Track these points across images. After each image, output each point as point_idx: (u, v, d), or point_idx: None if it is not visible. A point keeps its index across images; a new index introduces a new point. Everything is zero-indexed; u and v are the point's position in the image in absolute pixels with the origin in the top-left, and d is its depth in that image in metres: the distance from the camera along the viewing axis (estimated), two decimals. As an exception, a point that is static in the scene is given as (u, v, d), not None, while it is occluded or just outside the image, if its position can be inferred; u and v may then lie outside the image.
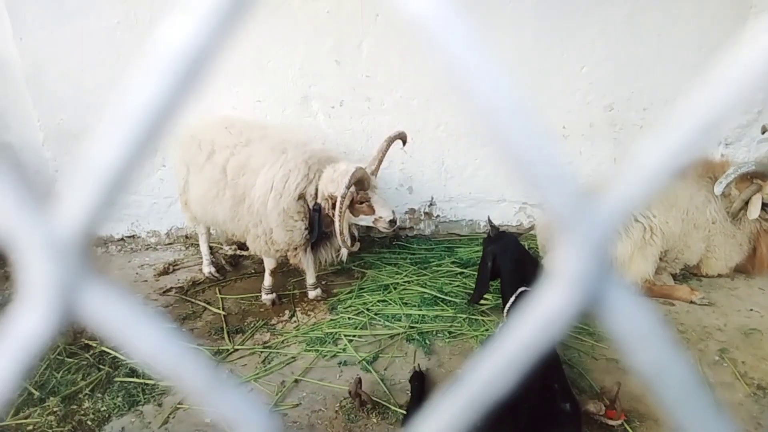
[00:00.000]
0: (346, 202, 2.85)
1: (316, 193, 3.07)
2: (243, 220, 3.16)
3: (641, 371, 0.37)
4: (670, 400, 0.37)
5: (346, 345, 3.05)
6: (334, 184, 2.94)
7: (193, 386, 0.38)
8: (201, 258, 3.86)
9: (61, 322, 0.35)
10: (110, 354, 2.93)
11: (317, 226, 3.12)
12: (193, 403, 2.59)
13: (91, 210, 0.34)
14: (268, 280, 3.47)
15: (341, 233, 2.92)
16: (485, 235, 3.25)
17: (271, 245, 3.17)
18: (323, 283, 3.71)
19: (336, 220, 2.88)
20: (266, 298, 3.50)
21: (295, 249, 3.22)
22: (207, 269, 3.81)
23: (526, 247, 3.86)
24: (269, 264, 3.43)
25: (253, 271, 3.91)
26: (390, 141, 3.20)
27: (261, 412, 0.39)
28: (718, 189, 3.49)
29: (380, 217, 3.07)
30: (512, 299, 2.71)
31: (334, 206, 2.91)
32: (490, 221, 3.26)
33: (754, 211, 3.53)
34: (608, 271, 0.36)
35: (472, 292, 3.24)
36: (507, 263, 2.84)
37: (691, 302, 3.47)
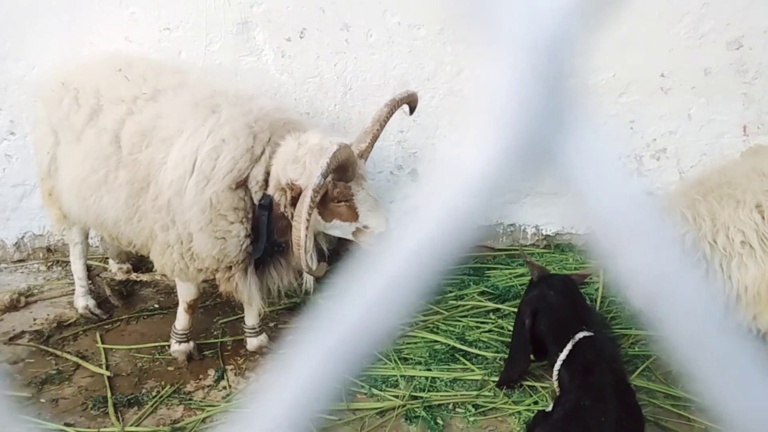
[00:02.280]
0: (317, 198, 2.31)
1: (266, 179, 2.55)
2: (146, 219, 2.67)
3: (622, 260, 0.34)
4: (641, 268, 0.35)
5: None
6: (298, 166, 2.43)
7: None
8: (72, 284, 3.27)
9: None
10: None
11: (265, 232, 2.61)
12: None
13: None
14: (183, 320, 2.92)
15: (301, 246, 2.35)
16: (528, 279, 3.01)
17: (190, 261, 2.65)
18: (271, 325, 3.15)
19: (297, 224, 2.35)
20: (178, 349, 2.92)
21: (229, 268, 2.68)
22: (83, 302, 3.19)
23: (600, 274, 3.37)
24: (186, 293, 2.90)
25: (156, 306, 3.31)
26: (393, 106, 2.65)
27: None
28: None
29: (365, 227, 2.52)
30: (569, 347, 2.39)
31: (294, 202, 2.40)
32: (526, 260, 3.05)
33: None
34: (565, 102, 0.30)
35: (505, 358, 2.87)
36: (552, 311, 2.59)
37: None
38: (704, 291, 0.33)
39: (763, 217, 2.84)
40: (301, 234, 2.36)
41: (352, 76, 3.38)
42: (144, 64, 2.87)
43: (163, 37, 3.27)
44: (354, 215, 2.53)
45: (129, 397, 2.73)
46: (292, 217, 2.43)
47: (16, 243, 3.60)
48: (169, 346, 3.00)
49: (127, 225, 2.72)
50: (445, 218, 0.31)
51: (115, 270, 3.44)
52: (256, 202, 2.60)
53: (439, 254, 0.33)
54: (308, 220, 2.34)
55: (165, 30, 3.28)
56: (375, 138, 2.66)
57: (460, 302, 3.29)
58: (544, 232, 3.70)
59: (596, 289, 3.33)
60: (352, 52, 3.34)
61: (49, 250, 3.63)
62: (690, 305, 0.33)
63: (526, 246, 3.69)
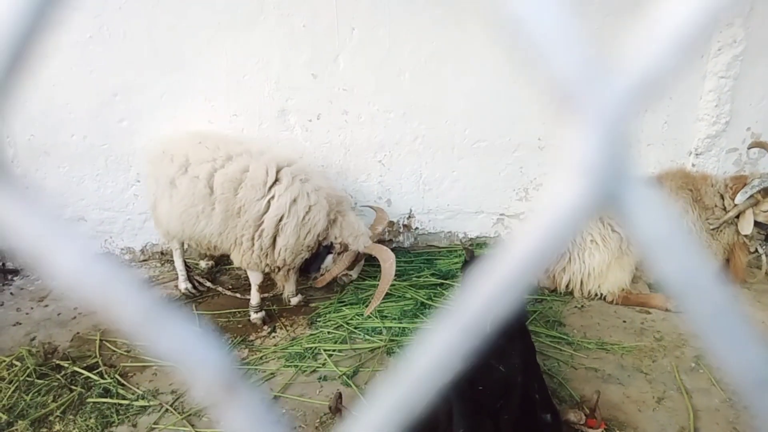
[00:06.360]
0: (354, 257, 3.45)
1: (335, 236, 3.40)
2: (233, 233, 3.20)
3: (664, 279, 0.32)
4: (695, 312, 0.33)
5: (326, 360, 3.07)
6: (354, 239, 3.35)
7: (127, 315, 0.31)
8: (176, 275, 3.83)
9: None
10: (83, 374, 2.88)
11: (322, 261, 3.41)
12: (168, 424, 2.56)
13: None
14: (255, 298, 3.47)
15: (333, 275, 3.47)
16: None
17: (264, 259, 3.24)
18: (303, 297, 3.75)
19: (339, 264, 3.41)
20: (256, 316, 3.47)
21: (288, 270, 3.35)
22: (183, 285, 3.77)
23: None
24: (256, 279, 3.43)
25: (230, 287, 3.90)
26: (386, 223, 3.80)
27: (212, 347, 0.32)
28: (741, 198, 3.59)
29: (350, 274, 3.65)
30: None
31: (341, 252, 3.39)
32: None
33: (746, 226, 3.61)
34: (626, 160, 0.30)
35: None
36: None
37: (667, 310, 3.57)
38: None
39: (603, 224, 3.65)
40: (338, 269, 3.40)
41: (349, 142, 4.06)
42: (216, 137, 3.39)
43: (232, 120, 3.89)
44: (352, 267, 3.52)
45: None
46: (335, 259, 3.43)
47: (142, 249, 4.16)
48: (237, 311, 3.53)
49: (217, 237, 3.22)
50: (541, 240, 0.30)
51: (204, 265, 4.00)
52: (323, 245, 3.35)
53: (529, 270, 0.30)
54: (346, 265, 3.39)
55: (233, 116, 3.89)
56: (381, 234, 3.66)
57: (419, 279, 3.89)
58: (469, 236, 4.40)
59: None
60: (350, 128, 4.02)
61: (162, 253, 4.18)
62: (708, 299, 0.31)
63: (456, 244, 4.37)
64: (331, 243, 3.35)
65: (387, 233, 4.39)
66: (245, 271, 3.58)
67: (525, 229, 0.32)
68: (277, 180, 3.17)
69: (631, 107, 0.29)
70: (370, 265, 4.08)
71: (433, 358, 0.33)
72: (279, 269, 3.33)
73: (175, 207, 3.21)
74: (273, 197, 3.13)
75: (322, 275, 3.49)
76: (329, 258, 3.45)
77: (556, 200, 0.31)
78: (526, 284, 0.32)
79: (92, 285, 0.30)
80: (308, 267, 3.45)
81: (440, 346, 0.33)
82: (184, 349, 0.32)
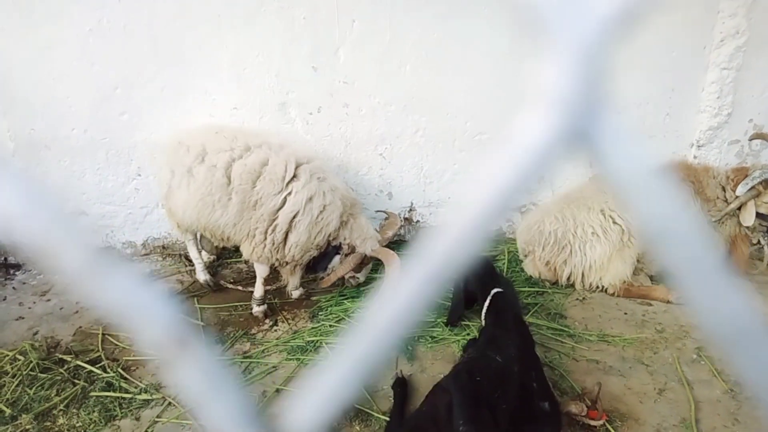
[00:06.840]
0: (361, 259, 3.42)
1: (345, 237, 3.40)
2: (247, 225, 3.19)
3: (638, 219, 0.31)
4: (672, 255, 0.31)
5: (327, 353, 3.06)
6: (362, 242, 3.34)
7: (67, 263, 0.28)
8: (178, 269, 3.87)
9: None
10: (86, 368, 2.90)
11: (329, 261, 3.42)
12: (171, 417, 2.57)
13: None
14: (260, 290, 3.46)
15: (339, 275, 3.43)
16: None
17: (275, 253, 3.24)
18: (304, 290, 3.76)
19: (345, 265, 3.40)
20: (258, 309, 3.47)
21: (296, 265, 3.39)
22: (203, 276, 3.71)
23: (506, 253, 4.05)
24: (262, 272, 3.44)
25: (231, 281, 3.90)
26: (398, 226, 3.72)
27: (162, 301, 0.30)
28: (742, 189, 3.61)
29: (356, 277, 3.61)
30: (488, 301, 2.77)
31: (349, 253, 3.38)
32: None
33: (748, 217, 3.61)
34: (601, 94, 0.28)
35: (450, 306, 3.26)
36: (477, 277, 2.96)
37: (668, 302, 3.57)
38: (695, 228, 0.29)
39: (604, 216, 3.66)
40: (344, 270, 3.40)
41: (350, 135, 4.07)
42: (231, 129, 3.40)
43: (233, 113, 3.89)
44: (359, 270, 3.51)
45: (215, 338, 3.14)
46: (341, 260, 3.43)
47: (143, 243, 4.17)
48: (238, 305, 3.52)
49: (231, 228, 3.19)
50: (498, 190, 0.28)
51: (206, 258, 3.93)
52: (332, 245, 3.37)
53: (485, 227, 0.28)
54: (352, 266, 3.38)
55: (234, 109, 3.89)
56: (390, 239, 3.58)
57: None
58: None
59: (503, 263, 3.96)
60: (350, 121, 4.03)
61: (163, 247, 4.21)
62: (684, 240, 0.29)
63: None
64: (340, 244, 3.37)
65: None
66: (247, 264, 3.64)
67: (490, 165, 0.29)
68: (295, 176, 3.17)
69: (609, 38, 0.28)
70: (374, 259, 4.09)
71: (396, 308, 0.32)
72: (287, 264, 3.35)
73: (192, 196, 3.17)
74: (290, 193, 3.13)
75: (328, 275, 3.49)
76: (336, 258, 3.47)
77: (524, 134, 0.28)
78: (492, 227, 0.30)
79: (34, 230, 0.28)
80: (315, 265, 3.47)
81: (404, 295, 0.32)
82: (130, 303, 0.29)
